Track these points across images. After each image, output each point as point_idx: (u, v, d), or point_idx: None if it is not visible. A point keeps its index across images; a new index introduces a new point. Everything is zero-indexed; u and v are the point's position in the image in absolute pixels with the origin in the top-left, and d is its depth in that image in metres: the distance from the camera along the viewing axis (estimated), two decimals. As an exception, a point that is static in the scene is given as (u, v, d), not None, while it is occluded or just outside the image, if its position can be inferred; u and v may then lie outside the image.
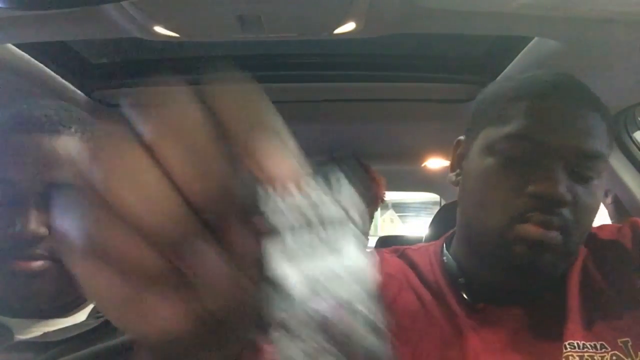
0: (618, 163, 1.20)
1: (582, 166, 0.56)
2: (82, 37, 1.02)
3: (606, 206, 1.28)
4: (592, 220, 0.60)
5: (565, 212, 0.54)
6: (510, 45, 1.08)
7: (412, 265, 0.69)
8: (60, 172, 0.62)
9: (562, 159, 0.55)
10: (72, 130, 0.64)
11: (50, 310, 0.64)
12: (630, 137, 1.22)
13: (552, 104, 0.57)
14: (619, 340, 0.55)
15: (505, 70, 1.12)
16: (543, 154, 0.55)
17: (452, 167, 0.70)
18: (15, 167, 0.60)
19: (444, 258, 0.69)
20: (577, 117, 0.57)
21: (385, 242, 1.96)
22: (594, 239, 0.64)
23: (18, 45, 0.97)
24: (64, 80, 1.16)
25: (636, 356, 0.53)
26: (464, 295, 0.63)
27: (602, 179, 0.58)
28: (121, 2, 0.71)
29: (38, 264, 0.59)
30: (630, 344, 0.54)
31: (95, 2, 0.72)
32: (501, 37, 1.11)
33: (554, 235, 0.54)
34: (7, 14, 0.76)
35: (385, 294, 0.63)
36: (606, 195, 1.26)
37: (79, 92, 1.24)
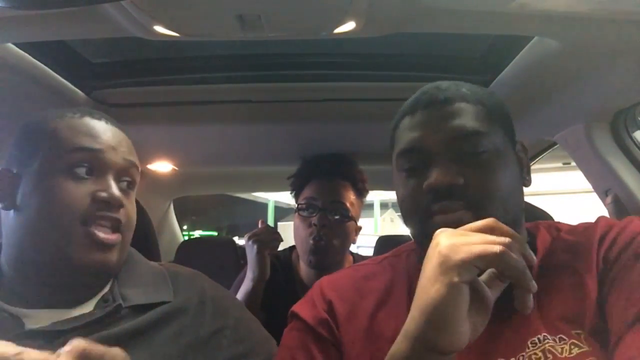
0: (618, 163, 1.20)
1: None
2: (82, 37, 1.02)
3: (606, 206, 1.28)
4: (504, 183, 0.63)
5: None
6: (510, 45, 1.08)
7: None
8: (130, 153, 0.73)
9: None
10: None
11: (63, 301, 0.67)
12: (631, 137, 1.22)
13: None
14: (573, 332, 0.59)
15: (505, 70, 1.12)
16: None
17: None
18: (100, 140, 0.69)
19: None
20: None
21: (385, 242, 1.95)
22: (562, 239, 0.68)
23: (18, 45, 0.97)
24: (64, 80, 1.16)
25: (590, 345, 0.57)
26: None
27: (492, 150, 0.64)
28: (121, 2, 0.71)
29: (113, 237, 0.67)
30: (583, 335, 0.58)
31: (95, 2, 0.72)
32: (501, 37, 1.11)
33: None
34: (7, 14, 0.76)
35: None
36: (606, 194, 1.26)
37: (78, 91, 1.23)
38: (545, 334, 0.59)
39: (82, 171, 0.67)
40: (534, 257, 0.50)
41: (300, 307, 0.72)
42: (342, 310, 0.69)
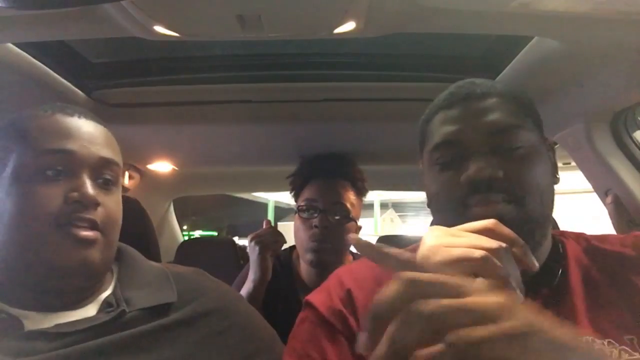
0: (618, 163, 1.20)
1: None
2: (82, 37, 1.02)
3: (606, 206, 1.28)
4: (541, 178, 0.64)
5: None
6: (510, 45, 1.08)
7: None
8: (107, 150, 0.70)
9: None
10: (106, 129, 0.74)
11: (58, 304, 0.65)
12: (631, 137, 1.22)
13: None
14: (625, 338, 0.58)
15: (505, 70, 1.12)
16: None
17: None
18: (71, 139, 0.67)
19: None
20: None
21: (385, 242, 1.95)
22: (596, 248, 0.68)
23: (18, 45, 0.97)
24: (64, 80, 1.16)
25: None
26: None
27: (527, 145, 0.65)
28: (121, 2, 0.71)
29: (92, 233, 0.65)
30: (635, 341, 0.57)
31: (95, 2, 0.72)
32: (501, 37, 1.11)
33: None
34: (7, 13, 0.76)
35: None
36: (606, 194, 1.26)
37: (79, 91, 1.23)
38: (592, 337, 0.58)
39: (54, 172, 0.65)
40: (536, 265, 0.48)
41: (315, 296, 0.71)
42: (361, 299, 0.67)
